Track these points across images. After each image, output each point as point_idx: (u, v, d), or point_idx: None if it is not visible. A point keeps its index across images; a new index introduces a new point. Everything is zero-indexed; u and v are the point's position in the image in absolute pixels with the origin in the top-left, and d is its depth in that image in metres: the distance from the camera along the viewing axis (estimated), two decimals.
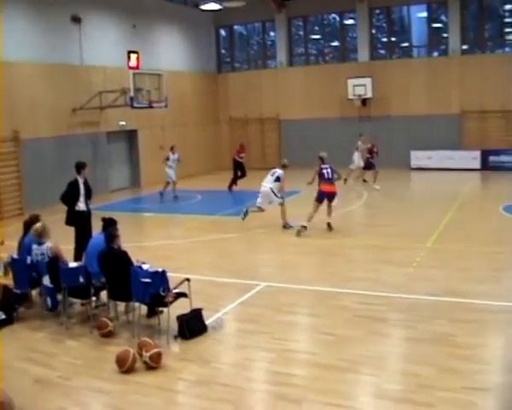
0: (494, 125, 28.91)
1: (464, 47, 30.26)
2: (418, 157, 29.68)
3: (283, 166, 16.41)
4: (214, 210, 19.67)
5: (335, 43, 33.93)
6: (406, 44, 32.16)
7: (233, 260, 13.27)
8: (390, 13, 31.94)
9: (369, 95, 30.57)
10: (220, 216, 18.71)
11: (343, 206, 18.08)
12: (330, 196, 15.65)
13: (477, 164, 28.66)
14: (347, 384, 6.98)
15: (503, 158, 28.38)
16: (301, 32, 34.36)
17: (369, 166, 24.36)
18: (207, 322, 8.85)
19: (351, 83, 30.66)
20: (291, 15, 33.42)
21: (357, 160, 25.00)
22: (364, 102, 30.93)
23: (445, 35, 30.64)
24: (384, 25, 32.60)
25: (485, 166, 28.45)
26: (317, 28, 34.11)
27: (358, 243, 14.48)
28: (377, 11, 32.14)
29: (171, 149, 23.39)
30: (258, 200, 16.56)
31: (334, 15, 33.45)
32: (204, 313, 8.83)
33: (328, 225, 15.61)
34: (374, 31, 32.38)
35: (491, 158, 28.63)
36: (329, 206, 15.69)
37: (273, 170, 16.79)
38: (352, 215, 17.19)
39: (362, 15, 31.48)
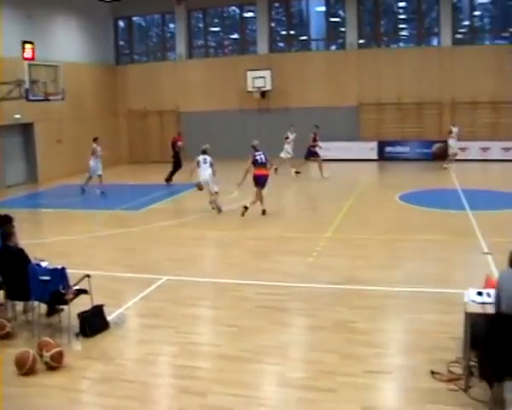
0: (390, 117, 29.87)
1: (361, 41, 31.04)
2: None
3: (204, 152, 16.37)
4: (114, 204, 19.32)
5: (235, 36, 34.02)
6: (305, 38, 32.64)
7: (134, 255, 13.08)
8: (289, 6, 32.31)
9: (269, 87, 30.85)
10: (120, 210, 18.39)
11: (244, 197, 18.17)
12: (263, 179, 16.36)
13: (374, 154, 29.56)
14: (251, 374, 7.02)
15: (399, 149, 29.41)
16: (201, 25, 34.21)
17: (311, 155, 24.59)
18: (109, 318, 8.68)
19: (250, 75, 30.83)
20: (191, 7, 33.21)
21: (286, 151, 25.27)
22: (264, 94, 31.19)
23: (342, 29, 31.31)
24: (283, 18, 32.94)
25: (382, 156, 29.40)
26: (216, 20, 34.06)
27: (259, 234, 14.58)
28: (276, 4, 32.45)
29: (95, 140, 22.28)
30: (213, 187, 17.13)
31: (233, 8, 33.52)
32: (105, 309, 8.66)
33: (263, 211, 16.40)
34: (273, 24, 32.69)
35: (388, 149, 29.60)
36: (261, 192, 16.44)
37: (202, 157, 17.11)
38: (252, 207, 17.25)
39: (261, 8, 31.70)
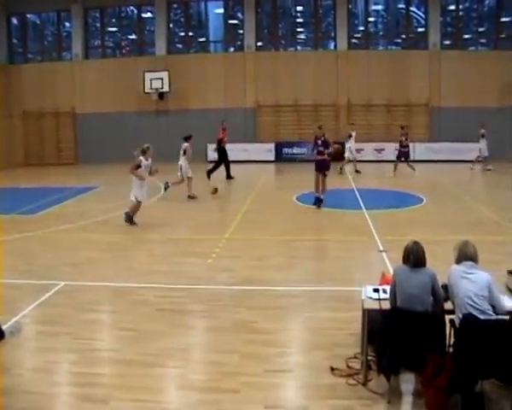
0: (287, 119, 30.38)
1: (259, 44, 31.41)
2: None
3: (143, 152, 15.53)
4: (9, 209, 18.57)
5: (133, 36, 33.62)
6: (203, 39, 32.70)
7: (29, 260, 12.62)
8: (188, 7, 32.29)
9: (167, 89, 30.68)
10: (16, 215, 17.72)
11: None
12: None
13: (271, 156, 29.97)
14: (153, 379, 6.93)
15: (296, 150, 29.96)
16: (98, 24, 33.61)
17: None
18: (4, 327, 8.32)
19: (148, 76, 30.58)
20: (88, 6, 32.55)
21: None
22: (162, 95, 30.97)
23: (240, 31, 31.56)
24: (182, 19, 32.89)
25: (279, 157, 29.84)
26: (114, 20, 33.56)
27: (157, 236, 14.43)
28: (175, 5, 32.34)
29: None
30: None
31: (131, 8, 33.12)
32: (0, 318, 8.31)
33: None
34: (171, 25, 32.54)
35: (285, 150, 30.08)
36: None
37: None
38: (149, 209, 17.08)
39: (160, 9, 31.49)
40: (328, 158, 17.63)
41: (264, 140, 30.45)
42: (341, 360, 7.08)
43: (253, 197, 19.40)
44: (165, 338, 8.00)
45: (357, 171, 26.09)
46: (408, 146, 25.18)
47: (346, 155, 25.75)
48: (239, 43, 31.88)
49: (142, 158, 15.30)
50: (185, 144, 19.87)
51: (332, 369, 6.91)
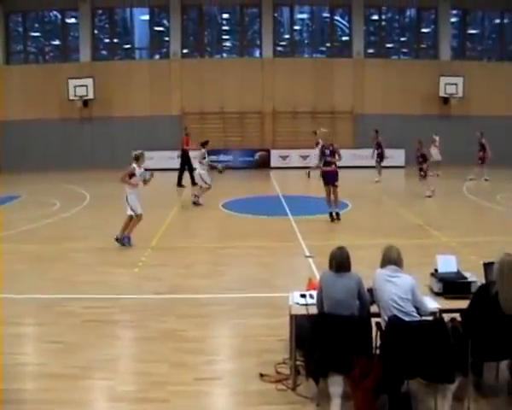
0: (213, 127, 30.36)
1: (185, 51, 31.32)
2: None
3: (136, 159, 14.32)
4: None
5: (56, 42, 32.93)
6: (129, 46, 32.35)
7: None
8: (113, 14, 31.91)
9: (91, 96, 30.19)
10: None
11: (64, 210, 17.60)
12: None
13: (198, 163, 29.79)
14: (81, 392, 6.77)
15: (222, 157, 29.93)
16: (20, 29, 32.72)
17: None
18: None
19: (72, 83, 30.01)
20: (9, 10, 31.66)
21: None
22: (86, 103, 30.46)
23: (166, 38, 31.39)
24: (107, 25, 32.44)
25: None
26: (37, 25, 32.77)
27: (82, 246, 14.10)
28: (100, 11, 31.87)
29: None
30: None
31: (55, 13, 32.43)
32: None
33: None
34: (96, 31, 32.06)
35: (211, 157, 29.93)
36: None
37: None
38: (73, 219, 16.79)
39: (84, 14, 30.96)
40: (336, 169, 16.63)
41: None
42: (270, 366, 7.11)
43: (179, 205, 19.29)
44: (93, 350, 7.85)
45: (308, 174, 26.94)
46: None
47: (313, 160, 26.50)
48: (165, 50, 31.72)
49: (135, 165, 14.01)
50: (202, 150, 19.84)
51: (261, 375, 6.93)
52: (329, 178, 16.42)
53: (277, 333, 8.05)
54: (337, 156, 16.53)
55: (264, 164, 29.72)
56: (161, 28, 32.24)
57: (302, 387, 6.64)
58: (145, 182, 14.27)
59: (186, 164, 24.14)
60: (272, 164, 29.86)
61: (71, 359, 7.59)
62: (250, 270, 11.81)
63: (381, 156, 25.65)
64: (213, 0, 31.18)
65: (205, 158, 19.72)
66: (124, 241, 13.69)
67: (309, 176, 26.78)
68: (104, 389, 6.91)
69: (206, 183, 19.50)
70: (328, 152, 16.49)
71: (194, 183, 23.47)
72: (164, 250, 13.47)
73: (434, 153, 26.69)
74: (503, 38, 33.72)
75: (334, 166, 16.48)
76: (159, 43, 32.14)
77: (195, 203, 19.25)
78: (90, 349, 7.87)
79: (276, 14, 31.53)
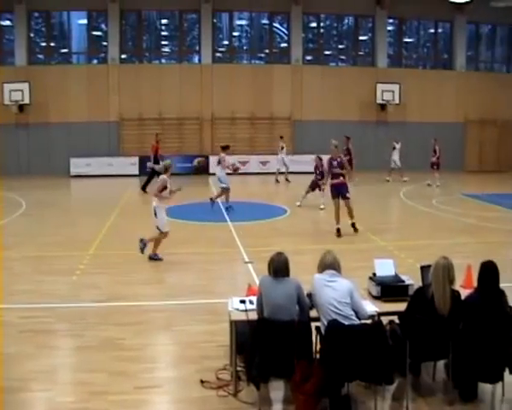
0: (152, 132, 30.02)
1: (123, 56, 31.01)
2: (77, 164, 29.54)
3: (166, 170, 13.34)
4: None
5: None
6: (66, 50, 31.82)
7: None
8: (49, 17, 31.31)
9: (27, 101, 29.54)
10: None
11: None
12: None
13: (135, 170, 29.55)
14: (19, 405, 6.58)
15: (161, 164, 29.67)
16: None
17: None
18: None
19: (7, 88, 29.30)
20: None
21: None
22: (22, 108, 29.80)
23: (104, 43, 31.00)
24: (43, 29, 31.81)
25: (144, 171, 29.38)
26: None
27: (17, 254, 13.70)
28: (36, 14, 31.23)
29: None
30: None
31: None
32: None
33: None
34: (32, 34, 31.39)
35: (149, 164, 29.72)
36: None
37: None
38: (8, 226, 16.38)
39: (19, 17, 30.22)
40: (344, 181, 15.99)
41: (127, 154, 30.05)
42: (211, 373, 7.10)
43: (118, 212, 19.07)
44: (30, 360, 7.67)
45: (287, 180, 27.54)
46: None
47: (278, 166, 27.43)
48: (102, 55, 31.32)
49: (165, 177, 12.92)
50: (222, 154, 19.49)
51: (202, 382, 6.91)
52: (338, 191, 15.78)
53: (218, 339, 8.05)
54: (345, 168, 15.98)
55: (202, 170, 29.68)
56: (99, 33, 31.82)
57: (243, 393, 6.65)
58: (172, 193, 13.24)
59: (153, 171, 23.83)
60: (211, 170, 29.79)
61: (8, 371, 7.38)
62: (190, 276, 11.76)
63: (349, 163, 25.96)
64: (152, 5, 30.94)
65: (220, 162, 19.46)
66: (155, 257, 13.01)
67: (278, 181, 27.33)
68: (43, 400, 6.75)
69: (225, 184, 19.32)
70: (335, 164, 15.83)
71: (144, 189, 23.49)
72: (103, 257, 13.28)
73: (396, 159, 27.28)
74: (437, 47, 34.62)
75: (342, 177, 15.84)
76: (96, 47, 31.73)
77: (212, 200, 19.32)
78: (28, 360, 7.68)
79: (215, 20, 31.54)
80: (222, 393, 6.67)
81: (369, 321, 6.49)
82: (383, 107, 31.79)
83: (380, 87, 31.20)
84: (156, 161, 23.61)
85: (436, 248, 12.78)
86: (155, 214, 12.78)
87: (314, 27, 33.26)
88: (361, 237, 15.31)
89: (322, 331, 6.30)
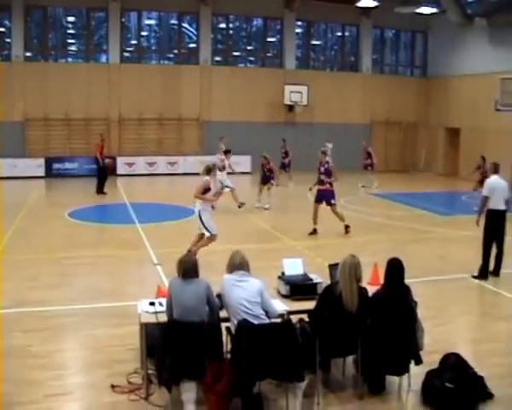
0: (57, 133, 29.40)
1: (28, 54, 30.08)
2: None
3: (208, 171, 12.91)
4: None
5: None
6: None
7: None
8: None
9: None
10: None
11: None
12: None
13: (42, 171, 28.77)
14: None
15: (68, 165, 29.15)
16: None
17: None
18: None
19: None
20: None
21: None
22: None
23: (8, 40, 29.96)
24: None
25: (50, 173, 28.74)
26: None
27: None
28: None
29: None
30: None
31: None
32: None
33: None
34: None
35: (56, 165, 29.09)
36: None
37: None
38: None
39: None
40: (330, 188, 15.93)
41: (33, 155, 29.19)
42: (122, 377, 7.02)
43: (22, 215, 18.50)
44: None
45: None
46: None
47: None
48: (6, 52, 30.18)
49: (208, 178, 12.59)
50: (222, 157, 20.01)
51: (113, 387, 6.83)
52: (321, 197, 15.95)
53: (128, 343, 7.96)
54: (333, 175, 15.89)
55: (110, 171, 29.19)
56: (2, 29, 30.68)
57: (155, 396, 6.62)
58: (218, 195, 12.89)
59: (103, 171, 23.58)
60: (118, 171, 29.39)
61: None
62: (98, 279, 11.57)
63: (287, 165, 26.58)
64: (58, 1, 30.15)
65: (224, 168, 19.74)
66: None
67: None
68: None
69: (228, 187, 19.33)
70: (322, 170, 15.93)
71: (101, 191, 23.01)
72: (7, 262, 12.81)
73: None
74: (344, 50, 35.41)
75: (328, 185, 15.87)
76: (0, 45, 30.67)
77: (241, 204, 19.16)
78: None
79: (123, 19, 31.05)
80: (133, 397, 6.62)
81: (278, 320, 6.58)
82: (291, 108, 32.22)
83: (288, 88, 31.59)
84: (98, 162, 23.43)
85: (344, 247, 13.09)
86: (200, 218, 12.39)
87: (223, 28, 33.33)
88: (270, 236, 15.49)
89: (233, 331, 6.34)
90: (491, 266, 12.17)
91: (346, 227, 16.20)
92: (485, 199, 12.07)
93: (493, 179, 12.14)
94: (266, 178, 20.71)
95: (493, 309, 10.46)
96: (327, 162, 16.05)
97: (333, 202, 15.93)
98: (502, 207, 11.94)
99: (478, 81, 29.61)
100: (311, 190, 16.84)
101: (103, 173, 23.55)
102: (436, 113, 34.14)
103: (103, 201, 21.07)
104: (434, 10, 29.58)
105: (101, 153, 23.55)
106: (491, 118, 27.84)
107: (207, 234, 12.52)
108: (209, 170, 12.82)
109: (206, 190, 12.46)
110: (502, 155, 25.90)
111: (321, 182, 15.91)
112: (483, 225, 12.11)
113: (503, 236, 12.08)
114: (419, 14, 30.44)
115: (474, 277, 12.04)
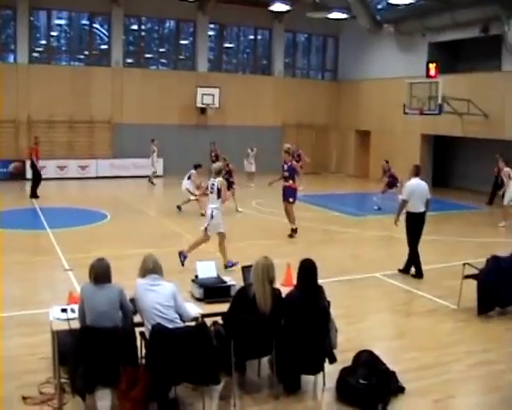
0: None
1: None
2: None
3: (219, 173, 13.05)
4: None
5: None
6: None
7: None
8: None
9: None
10: None
11: None
12: None
13: None
14: None
15: None
16: None
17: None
18: None
19: None
20: None
21: None
22: None
23: None
24: None
25: None
26: None
27: None
28: None
29: None
30: None
31: None
32: None
33: None
34: None
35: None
36: None
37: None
38: None
39: None
40: (290, 185, 16.15)
41: None
42: (33, 388, 6.82)
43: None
44: None
45: (152, 182, 27.58)
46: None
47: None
48: None
49: (222, 179, 12.97)
50: (193, 172, 19.92)
51: (24, 398, 6.62)
52: (283, 194, 16.33)
53: (39, 352, 7.75)
54: (297, 173, 16.43)
55: (19, 175, 28.30)
56: None
57: (69, 405, 6.45)
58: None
59: (39, 175, 23.16)
60: (28, 175, 28.54)
61: None
62: (6, 287, 11.19)
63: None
64: None
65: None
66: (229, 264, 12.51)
67: (153, 183, 27.50)
68: None
69: (194, 194, 19.25)
70: (285, 167, 16.20)
71: (34, 195, 22.48)
72: None
73: (246, 164, 27.71)
74: (256, 53, 35.66)
75: (291, 181, 16.13)
76: None
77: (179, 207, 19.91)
78: None
79: (32, 18, 30.16)
80: (46, 408, 6.44)
81: (193, 323, 6.57)
82: (203, 110, 32.18)
83: (200, 91, 31.51)
84: (34, 165, 23.01)
85: (257, 249, 13.17)
86: (212, 216, 12.58)
87: (135, 30, 32.93)
88: (182, 239, 15.39)
89: (147, 336, 6.29)
90: (402, 265, 12.55)
91: (292, 231, 16.39)
92: (404, 202, 12.41)
93: (412, 183, 12.47)
94: (228, 183, 20.72)
95: (404, 306, 10.79)
96: (290, 161, 16.41)
97: (290, 200, 16.24)
98: (421, 209, 12.25)
99: (387, 85, 30.49)
100: (270, 184, 17.21)
101: (38, 177, 23.13)
102: (347, 116, 34.91)
103: (11, 206, 20.39)
104: (345, 16, 30.16)
105: (37, 156, 23.16)
106: (399, 121, 28.68)
107: (221, 230, 12.77)
108: (219, 172, 13.07)
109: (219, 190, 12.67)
110: (410, 156, 26.97)
111: (285, 179, 16.21)
112: (405, 227, 12.45)
113: (420, 236, 12.41)
114: (330, 19, 31.02)
115: (413, 276, 12.40)
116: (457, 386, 7.56)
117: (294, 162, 16.90)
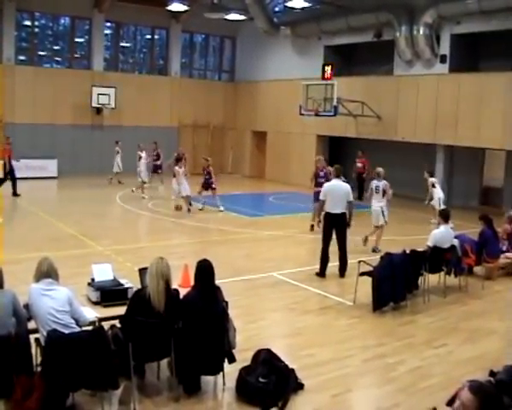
0: None
1: None
2: None
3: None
4: None
5: None
6: None
7: None
8: None
9: None
10: None
11: None
12: None
13: None
14: None
15: None
16: None
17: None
18: None
19: None
20: None
21: None
22: None
23: None
24: None
25: None
26: None
27: None
28: None
29: None
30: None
31: None
32: None
33: None
34: None
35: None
36: None
37: None
38: None
39: None
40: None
41: None
42: None
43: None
44: None
45: (119, 181, 27.19)
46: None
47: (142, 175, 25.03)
48: None
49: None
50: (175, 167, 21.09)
51: None
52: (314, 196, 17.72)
53: None
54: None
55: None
56: None
57: None
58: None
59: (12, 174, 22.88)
60: None
61: None
62: None
63: (159, 167, 26.43)
64: None
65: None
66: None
67: (120, 182, 27.02)
68: None
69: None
70: (322, 174, 18.11)
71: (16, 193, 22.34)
72: None
73: (119, 162, 27.38)
74: (153, 53, 35.32)
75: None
76: None
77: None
78: None
79: None
80: None
81: (90, 328, 6.46)
82: (99, 110, 31.58)
83: (95, 90, 30.87)
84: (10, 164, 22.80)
85: (154, 250, 13.08)
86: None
87: (28, 26, 31.82)
88: (77, 242, 15.08)
89: (42, 343, 6.13)
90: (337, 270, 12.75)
91: (312, 226, 17.73)
92: (322, 202, 12.69)
93: (331, 183, 12.79)
94: (207, 183, 21.00)
95: (300, 304, 10.98)
96: (324, 167, 18.40)
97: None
98: (337, 210, 12.41)
99: (283, 87, 30.97)
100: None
101: (14, 176, 23.12)
102: (243, 116, 35.18)
103: None
104: (243, 17, 30.36)
105: (10, 156, 23.07)
106: (295, 121, 29.15)
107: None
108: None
109: None
110: (306, 157, 27.55)
111: (319, 184, 16.69)
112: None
113: (344, 238, 12.60)
114: (228, 20, 31.14)
115: (317, 274, 12.60)
116: (354, 380, 7.81)
117: (329, 168, 17.78)
